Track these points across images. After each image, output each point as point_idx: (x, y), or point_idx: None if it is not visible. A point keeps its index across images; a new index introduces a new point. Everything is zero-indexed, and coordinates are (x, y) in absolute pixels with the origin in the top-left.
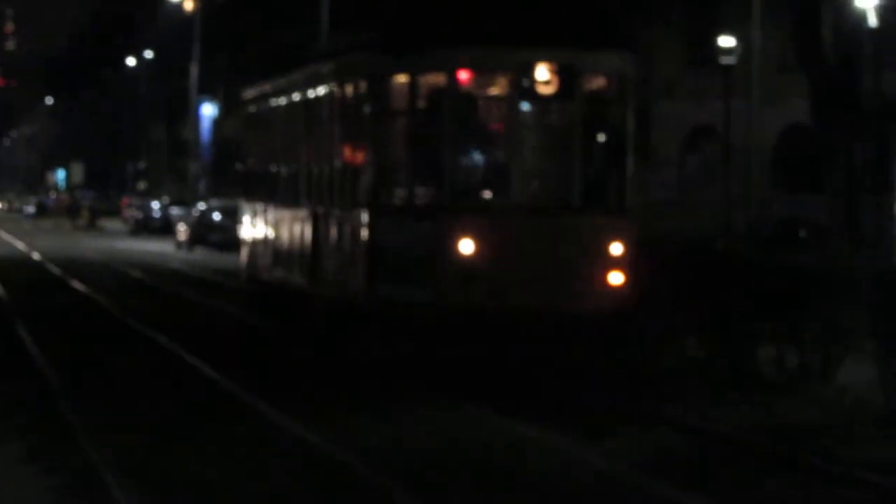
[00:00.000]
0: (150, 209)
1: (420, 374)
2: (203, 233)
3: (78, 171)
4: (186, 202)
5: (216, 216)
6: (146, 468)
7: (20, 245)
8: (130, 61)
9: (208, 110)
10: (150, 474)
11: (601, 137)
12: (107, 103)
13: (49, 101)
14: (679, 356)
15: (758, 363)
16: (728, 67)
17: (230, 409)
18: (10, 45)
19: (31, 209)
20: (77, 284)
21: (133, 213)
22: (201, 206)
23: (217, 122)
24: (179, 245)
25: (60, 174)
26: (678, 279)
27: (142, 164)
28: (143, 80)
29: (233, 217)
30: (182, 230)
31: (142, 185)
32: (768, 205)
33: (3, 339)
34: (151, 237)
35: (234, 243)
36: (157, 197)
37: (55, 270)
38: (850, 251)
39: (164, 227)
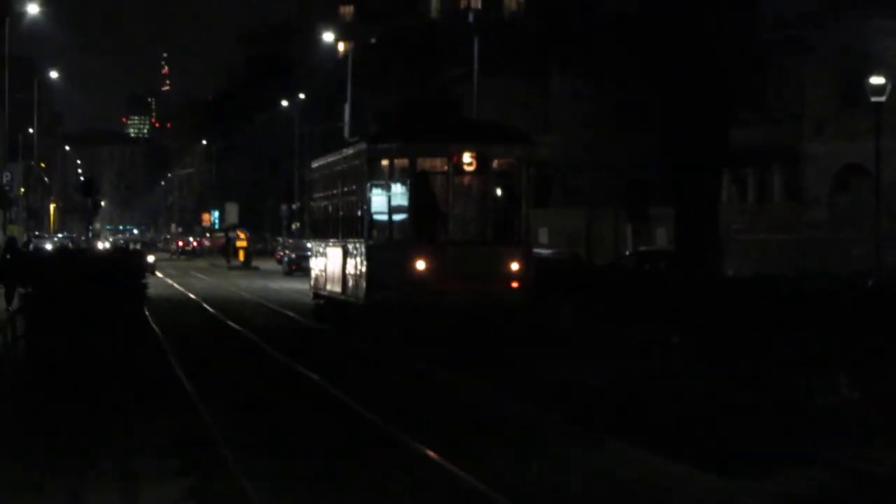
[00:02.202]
0: (303, 249)
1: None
2: None
3: (232, 211)
4: None
5: None
6: None
7: (177, 285)
8: (284, 102)
9: None
10: None
11: (505, 197)
12: (261, 144)
13: (203, 142)
14: (832, 394)
15: None
16: (879, 106)
17: (373, 444)
18: (165, 87)
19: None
20: (232, 323)
21: (287, 253)
22: None
23: None
24: None
25: (215, 215)
26: (829, 318)
27: (296, 205)
28: (297, 121)
29: None
30: None
31: (295, 226)
32: None
33: (160, 378)
34: (305, 277)
35: None
36: None
37: (211, 310)
38: None
39: None
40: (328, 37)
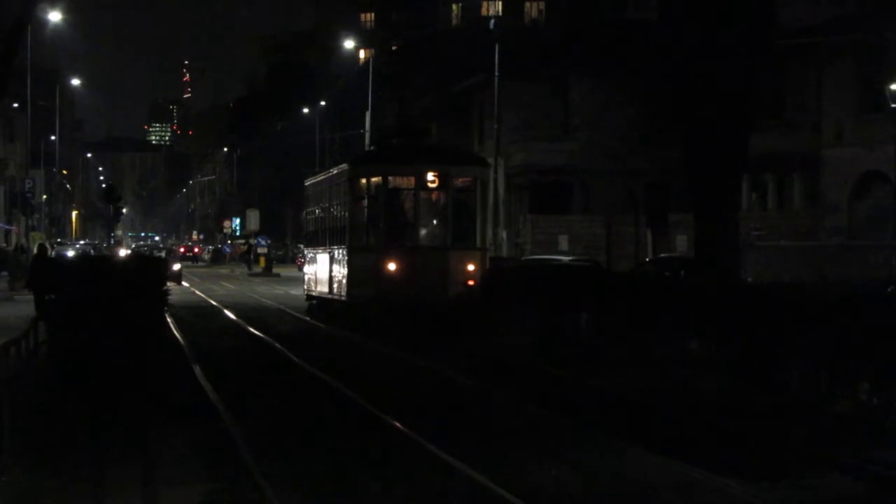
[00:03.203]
0: None
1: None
2: None
3: (254, 218)
4: None
5: None
6: None
7: (198, 291)
8: (305, 109)
9: None
10: None
11: (463, 210)
12: (282, 151)
13: (224, 149)
14: (851, 400)
15: None
16: None
17: (399, 451)
18: (187, 94)
19: (206, 256)
20: (253, 330)
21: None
22: None
23: None
24: None
25: (236, 221)
26: (848, 324)
27: None
28: (318, 127)
29: None
30: None
31: None
32: None
33: (181, 384)
34: None
35: None
36: None
37: (232, 316)
38: None
39: None
40: (349, 44)
